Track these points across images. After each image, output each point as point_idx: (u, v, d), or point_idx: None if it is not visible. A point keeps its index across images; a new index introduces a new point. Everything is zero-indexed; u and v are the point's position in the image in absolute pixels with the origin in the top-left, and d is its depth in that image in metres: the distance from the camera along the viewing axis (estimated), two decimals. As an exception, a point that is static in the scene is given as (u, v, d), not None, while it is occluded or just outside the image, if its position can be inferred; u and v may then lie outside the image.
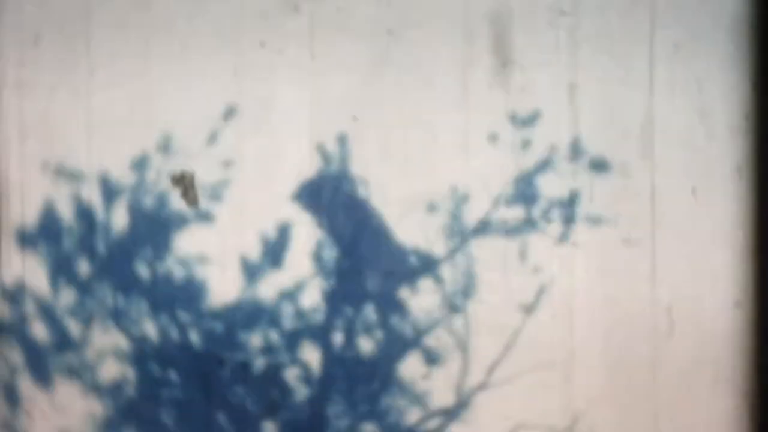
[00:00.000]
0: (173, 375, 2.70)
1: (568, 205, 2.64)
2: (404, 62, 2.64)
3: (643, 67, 2.62)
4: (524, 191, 2.63)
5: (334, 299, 2.66)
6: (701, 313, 2.66)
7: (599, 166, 2.62)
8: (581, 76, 2.62)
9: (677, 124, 2.63)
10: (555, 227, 2.63)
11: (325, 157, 2.66)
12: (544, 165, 2.63)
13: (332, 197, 2.67)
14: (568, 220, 2.63)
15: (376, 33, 2.64)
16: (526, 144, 2.61)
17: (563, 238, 2.63)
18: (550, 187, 2.63)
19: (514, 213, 2.65)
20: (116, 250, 2.72)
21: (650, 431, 2.67)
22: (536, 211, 2.64)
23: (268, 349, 2.67)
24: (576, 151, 2.64)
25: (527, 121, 2.61)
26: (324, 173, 2.66)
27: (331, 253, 2.67)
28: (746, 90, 2.64)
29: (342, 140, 2.65)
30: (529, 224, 2.65)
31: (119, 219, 2.72)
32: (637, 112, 2.62)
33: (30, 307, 2.77)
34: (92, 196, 2.73)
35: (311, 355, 2.67)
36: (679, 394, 2.66)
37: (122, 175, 2.72)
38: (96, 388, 2.74)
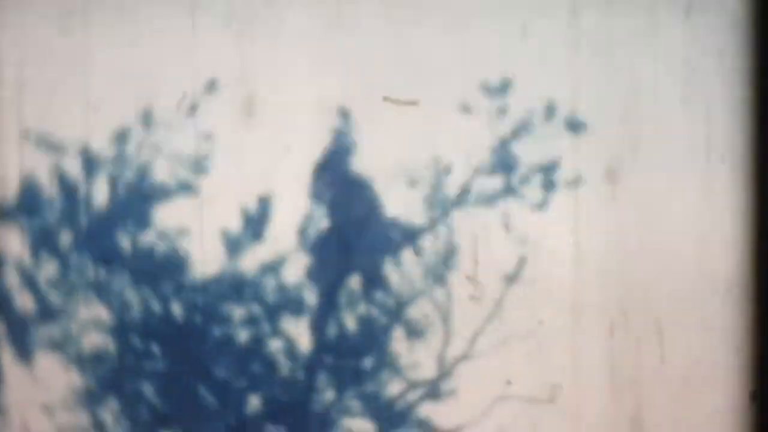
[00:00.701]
0: (155, 347, 2.70)
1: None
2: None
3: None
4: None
5: (319, 272, 2.66)
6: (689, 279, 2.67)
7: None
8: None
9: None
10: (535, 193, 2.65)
11: (338, 129, 2.66)
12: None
13: (334, 172, 2.67)
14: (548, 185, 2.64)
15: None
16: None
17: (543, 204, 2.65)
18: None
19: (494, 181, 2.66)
20: (98, 223, 2.72)
21: (633, 403, 2.68)
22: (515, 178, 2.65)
23: (250, 322, 2.67)
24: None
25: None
26: (330, 149, 2.66)
27: (317, 226, 2.67)
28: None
29: (345, 114, 2.65)
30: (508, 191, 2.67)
31: (101, 191, 2.72)
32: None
33: (11, 280, 2.77)
34: (73, 168, 2.73)
35: (294, 329, 2.67)
36: (662, 363, 2.66)
37: (103, 147, 2.72)
38: (78, 361, 2.74)
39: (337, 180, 2.65)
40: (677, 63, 2.64)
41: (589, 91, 2.64)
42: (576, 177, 2.65)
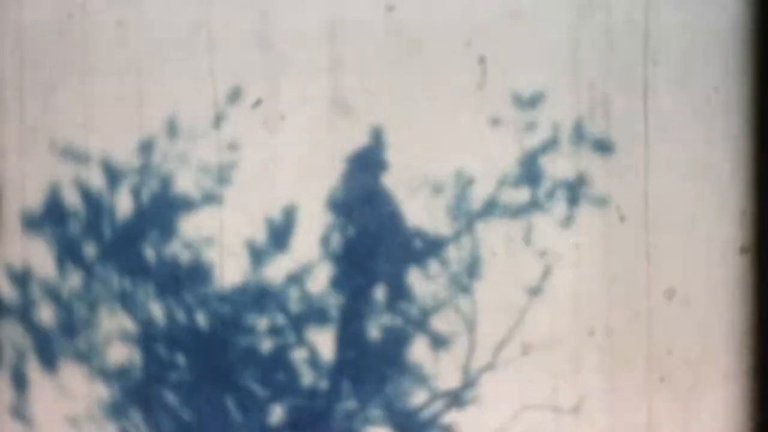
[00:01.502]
0: (180, 358, 2.70)
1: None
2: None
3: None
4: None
5: (343, 282, 2.66)
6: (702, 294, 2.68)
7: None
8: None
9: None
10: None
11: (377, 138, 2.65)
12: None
13: (361, 184, 2.66)
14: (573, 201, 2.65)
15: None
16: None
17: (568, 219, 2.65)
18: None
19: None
20: (122, 234, 2.72)
21: (656, 411, 2.69)
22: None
23: (274, 332, 2.67)
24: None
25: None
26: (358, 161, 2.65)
27: (340, 236, 2.66)
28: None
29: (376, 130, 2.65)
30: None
31: (125, 202, 2.71)
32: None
33: (36, 291, 2.76)
34: (97, 178, 2.72)
35: (318, 338, 2.67)
36: (683, 377, 2.68)
37: (128, 158, 2.71)
38: (102, 372, 2.74)
39: (364, 192, 2.65)
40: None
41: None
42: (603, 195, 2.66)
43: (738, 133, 2.73)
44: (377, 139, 2.62)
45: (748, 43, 2.70)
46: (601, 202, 2.65)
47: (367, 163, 2.64)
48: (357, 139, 2.63)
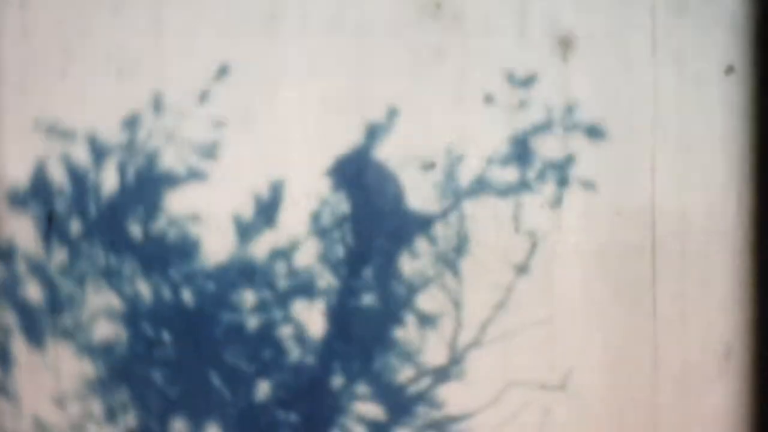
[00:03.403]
0: (166, 334, 2.69)
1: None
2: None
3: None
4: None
5: (331, 258, 2.66)
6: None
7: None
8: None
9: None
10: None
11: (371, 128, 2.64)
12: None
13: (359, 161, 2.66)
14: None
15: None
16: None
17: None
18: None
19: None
20: (108, 210, 2.70)
21: (643, 387, 2.70)
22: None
23: (261, 309, 2.66)
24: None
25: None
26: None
27: (331, 212, 2.66)
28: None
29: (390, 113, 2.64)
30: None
31: (110, 179, 2.70)
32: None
33: (22, 269, 2.75)
34: (83, 155, 2.70)
35: (305, 315, 2.67)
36: (670, 348, 2.69)
37: (113, 134, 2.69)
38: (89, 349, 2.73)
39: (361, 169, 2.64)
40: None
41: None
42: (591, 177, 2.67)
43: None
44: (369, 119, 2.63)
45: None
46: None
47: (357, 142, 2.65)
48: (348, 118, 2.63)
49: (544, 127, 2.64)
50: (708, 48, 2.66)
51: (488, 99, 2.63)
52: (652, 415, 2.70)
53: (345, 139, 2.64)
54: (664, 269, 2.68)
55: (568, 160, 2.64)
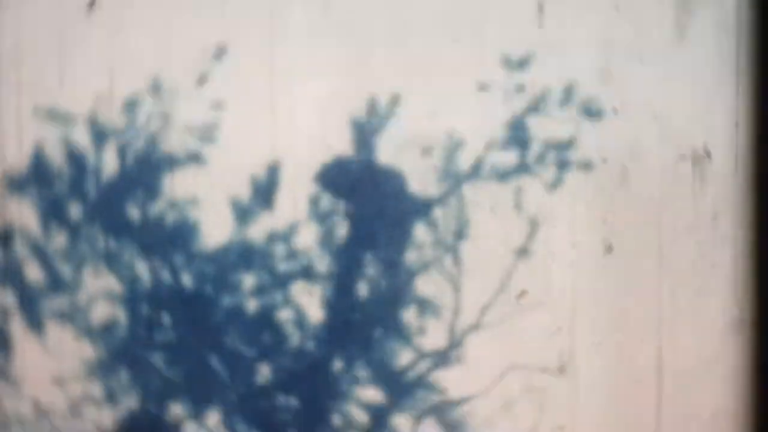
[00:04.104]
0: (165, 317, 2.70)
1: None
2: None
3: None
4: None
5: (330, 241, 2.65)
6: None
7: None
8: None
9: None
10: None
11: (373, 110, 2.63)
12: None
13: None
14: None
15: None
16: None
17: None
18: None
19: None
20: (107, 193, 2.71)
21: (646, 371, 2.69)
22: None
23: (260, 292, 2.66)
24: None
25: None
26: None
27: (331, 197, 2.66)
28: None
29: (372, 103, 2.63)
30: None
31: (110, 162, 2.71)
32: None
33: (21, 251, 2.76)
34: (82, 139, 2.71)
35: (305, 298, 2.67)
36: (674, 335, 2.67)
37: (112, 117, 2.70)
38: (88, 331, 2.74)
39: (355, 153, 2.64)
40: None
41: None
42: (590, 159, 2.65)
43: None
44: (371, 101, 2.62)
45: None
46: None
47: (359, 124, 2.64)
48: (349, 100, 2.63)
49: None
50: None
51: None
52: (654, 397, 2.68)
53: (345, 122, 2.63)
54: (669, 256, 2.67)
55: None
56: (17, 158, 2.75)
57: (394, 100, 2.61)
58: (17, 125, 2.75)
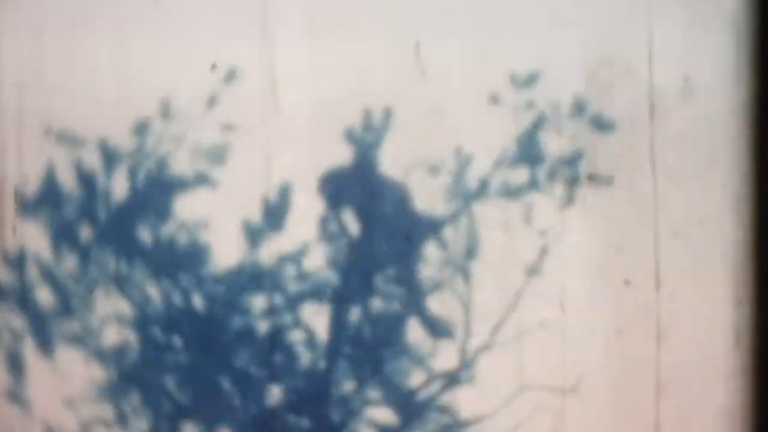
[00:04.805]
0: (176, 340, 2.70)
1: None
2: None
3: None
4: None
5: (342, 263, 2.65)
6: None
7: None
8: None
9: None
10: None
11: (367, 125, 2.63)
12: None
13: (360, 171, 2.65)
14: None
15: None
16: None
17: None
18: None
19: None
20: (118, 216, 2.71)
21: (656, 390, 2.68)
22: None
23: (271, 313, 2.66)
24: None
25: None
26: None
27: (338, 216, 2.65)
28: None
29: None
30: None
31: (120, 184, 2.71)
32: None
33: (32, 274, 2.76)
34: (93, 161, 2.72)
35: (315, 319, 2.66)
36: (684, 357, 2.67)
37: (123, 140, 2.70)
38: (99, 354, 2.74)
39: (364, 179, 2.63)
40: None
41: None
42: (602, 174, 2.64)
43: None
44: (374, 119, 2.62)
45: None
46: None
47: (360, 140, 2.64)
48: (354, 120, 2.62)
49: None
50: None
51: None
52: (657, 417, 2.68)
53: (347, 137, 2.63)
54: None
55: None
56: (28, 181, 2.76)
57: (388, 116, 2.62)
58: (28, 148, 2.75)
